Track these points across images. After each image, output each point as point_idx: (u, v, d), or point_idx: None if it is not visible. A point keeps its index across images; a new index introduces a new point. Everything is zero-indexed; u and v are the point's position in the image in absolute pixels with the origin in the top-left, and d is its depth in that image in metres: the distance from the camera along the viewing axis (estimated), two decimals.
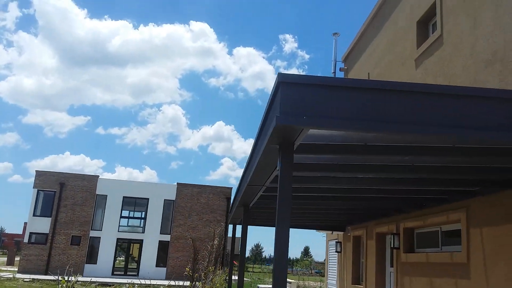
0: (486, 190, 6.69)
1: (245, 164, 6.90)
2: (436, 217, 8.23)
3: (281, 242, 3.47)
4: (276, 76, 3.39)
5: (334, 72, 16.79)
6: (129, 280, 25.96)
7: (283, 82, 3.33)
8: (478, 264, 6.75)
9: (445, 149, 4.64)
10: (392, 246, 9.52)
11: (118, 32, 62.73)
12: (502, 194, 6.41)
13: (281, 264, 3.47)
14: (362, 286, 11.54)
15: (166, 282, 26.97)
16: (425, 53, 9.69)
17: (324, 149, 4.33)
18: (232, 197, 11.84)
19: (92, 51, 60.44)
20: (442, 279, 7.71)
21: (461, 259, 7.16)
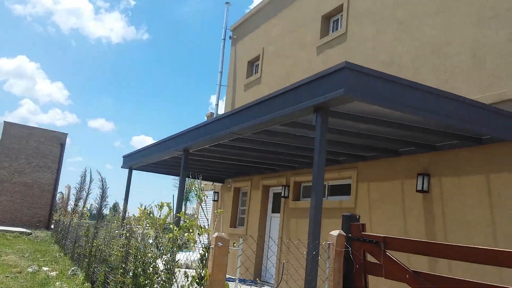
0: (374, 156, 9.25)
1: (233, 110, 7.52)
2: (326, 174, 10.61)
3: (317, 195, 5.04)
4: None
5: (224, 39, 18.21)
6: None
7: (348, 68, 4.91)
8: (363, 207, 9.33)
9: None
10: (282, 195, 11.70)
11: None
12: (384, 159, 9.02)
13: (317, 215, 5.01)
14: (242, 228, 13.56)
15: None
16: (328, 44, 11.90)
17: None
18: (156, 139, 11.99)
19: None
20: (329, 220, 10.16)
21: (349, 205, 9.68)
